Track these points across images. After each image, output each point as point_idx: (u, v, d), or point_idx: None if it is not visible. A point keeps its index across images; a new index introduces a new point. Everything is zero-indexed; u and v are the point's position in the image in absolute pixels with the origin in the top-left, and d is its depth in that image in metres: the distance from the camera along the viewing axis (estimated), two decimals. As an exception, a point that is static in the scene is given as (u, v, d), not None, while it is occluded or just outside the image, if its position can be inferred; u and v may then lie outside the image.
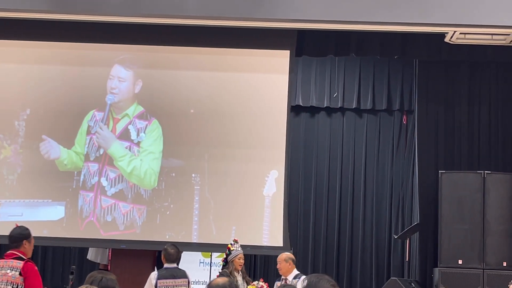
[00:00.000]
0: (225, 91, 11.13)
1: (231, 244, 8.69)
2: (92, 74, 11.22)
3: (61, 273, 12.79)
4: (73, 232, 10.88)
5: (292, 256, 8.70)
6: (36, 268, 6.52)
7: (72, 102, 11.15)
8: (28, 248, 6.61)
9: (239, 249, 8.59)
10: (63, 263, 12.81)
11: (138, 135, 11.06)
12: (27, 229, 6.81)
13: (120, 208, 10.89)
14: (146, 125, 11.09)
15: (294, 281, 8.40)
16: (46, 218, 10.90)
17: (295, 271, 8.55)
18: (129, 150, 11.02)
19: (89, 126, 11.12)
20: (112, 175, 10.98)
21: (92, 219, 10.87)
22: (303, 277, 8.39)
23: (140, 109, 11.14)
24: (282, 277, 8.64)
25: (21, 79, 11.22)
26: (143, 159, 10.99)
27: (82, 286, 4.55)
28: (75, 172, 10.99)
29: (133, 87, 11.19)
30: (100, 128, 11.08)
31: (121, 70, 11.22)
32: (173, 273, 8.01)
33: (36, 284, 6.40)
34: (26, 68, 11.26)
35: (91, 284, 4.75)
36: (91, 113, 11.15)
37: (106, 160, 11.01)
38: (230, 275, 8.48)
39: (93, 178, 10.98)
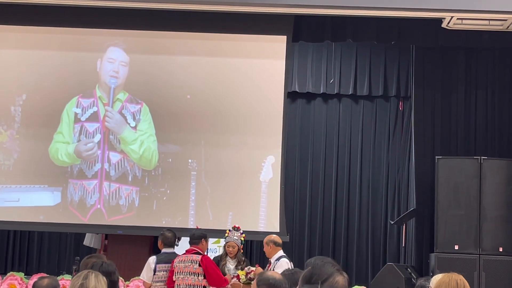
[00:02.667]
0: (221, 77, 11.11)
1: (229, 230, 8.72)
2: (83, 59, 11.18)
3: (57, 259, 12.78)
4: (70, 218, 10.87)
5: (273, 238, 8.64)
6: (211, 259, 8.03)
7: (67, 88, 11.12)
8: (205, 245, 8.08)
9: (234, 237, 8.60)
10: (59, 249, 12.80)
11: (134, 119, 11.04)
12: (204, 230, 8.35)
13: (123, 191, 10.90)
14: (140, 108, 11.07)
15: (276, 262, 8.39)
16: (43, 203, 10.89)
17: (279, 253, 8.50)
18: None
19: (76, 114, 11.07)
20: (114, 159, 10.96)
21: (98, 206, 10.86)
22: (282, 260, 8.39)
23: (127, 94, 11.11)
24: (269, 259, 8.67)
25: (17, 65, 11.19)
26: (147, 142, 10.99)
27: (84, 270, 4.56)
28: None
29: (129, 72, 11.17)
30: (111, 112, 11.04)
31: (122, 54, 11.18)
32: (172, 258, 8.03)
33: (216, 271, 7.85)
34: (22, 54, 11.22)
35: (91, 268, 4.76)
36: (74, 100, 11.09)
37: (107, 145, 10.99)
38: (220, 260, 8.53)
39: (94, 165, 10.95)
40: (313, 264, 3.87)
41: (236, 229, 8.69)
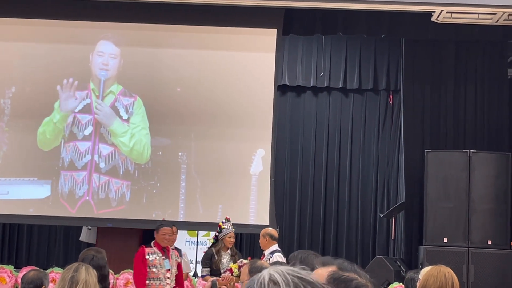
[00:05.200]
0: (211, 69, 11.11)
1: (222, 222, 8.69)
2: (74, 51, 11.15)
3: (46, 252, 12.76)
4: (59, 210, 10.85)
5: (270, 231, 8.65)
6: (141, 252, 7.65)
7: (56, 80, 11.09)
8: (157, 237, 7.75)
9: (230, 227, 8.60)
10: (49, 242, 12.78)
11: (127, 112, 11.03)
12: (159, 223, 8.09)
13: (113, 185, 10.88)
14: (133, 102, 11.06)
15: (270, 256, 8.38)
16: (32, 196, 10.87)
17: (274, 247, 8.49)
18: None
19: (70, 105, 11.06)
20: (105, 152, 10.94)
21: (87, 198, 10.83)
22: (276, 254, 8.37)
23: (120, 87, 11.10)
24: (263, 251, 8.68)
25: (6, 57, 11.14)
26: (138, 134, 10.98)
27: (74, 263, 4.58)
28: (62, 150, 10.95)
29: (119, 64, 11.16)
30: (100, 105, 11.02)
31: (111, 47, 11.16)
32: None
33: (136, 265, 7.67)
34: (11, 46, 11.18)
35: (82, 261, 4.78)
36: None
37: (98, 137, 10.97)
38: (216, 253, 8.50)
39: (84, 156, 10.92)
40: (296, 257, 3.94)
41: (228, 220, 8.69)
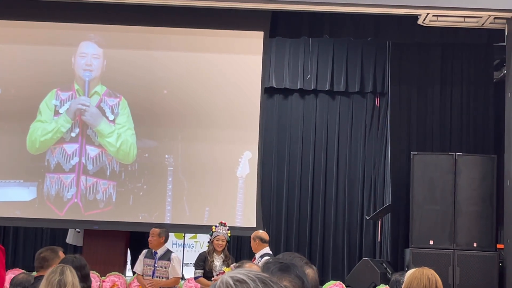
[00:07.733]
0: (198, 72, 11.11)
1: (215, 226, 8.72)
2: (58, 53, 11.11)
3: (32, 254, 12.68)
4: (46, 212, 10.81)
5: (260, 234, 8.64)
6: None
7: (44, 81, 11.05)
8: None
9: (221, 231, 8.61)
10: (35, 244, 12.72)
11: (112, 112, 11.00)
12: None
13: (100, 186, 10.85)
14: (118, 102, 11.03)
15: (259, 259, 8.35)
16: (18, 198, 10.82)
17: (264, 250, 8.47)
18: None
19: (55, 106, 11.01)
20: (92, 153, 10.91)
21: (75, 200, 10.79)
22: (265, 258, 8.32)
23: (105, 88, 11.08)
24: (254, 254, 8.68)
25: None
26: (125, 135, 10.96)
27: (58, 265, 4.59)
28: (47, 153, 10.91)
29: (103, 64, 11.13)
30: (87, 105, 10.98)
31: (94, 47, 11.13)
32: None
33: None
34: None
35: (64, 263, 4.80)
36: (53, 92, 11.03)
37: (84, 138, 10.94)
38: (207, 256, 8.52)
39: (72, 159, 10.88)
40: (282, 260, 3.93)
41: (223, 224, 8.71)
